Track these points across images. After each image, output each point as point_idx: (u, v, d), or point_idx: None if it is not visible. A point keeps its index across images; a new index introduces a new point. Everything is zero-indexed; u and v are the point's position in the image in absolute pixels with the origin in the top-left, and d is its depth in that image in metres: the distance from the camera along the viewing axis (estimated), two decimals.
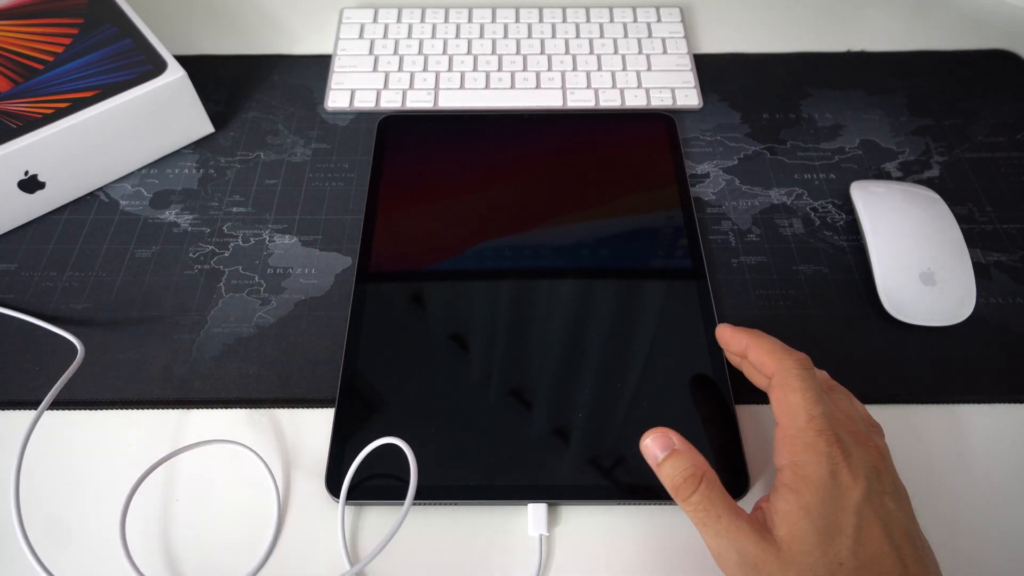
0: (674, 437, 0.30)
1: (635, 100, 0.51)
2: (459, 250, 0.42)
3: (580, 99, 0.51)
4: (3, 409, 0.37)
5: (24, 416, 0.37)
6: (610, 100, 0.51)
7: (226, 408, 0.37)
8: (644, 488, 0.33)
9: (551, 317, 0.39)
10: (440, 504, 0.34)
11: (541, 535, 0.32)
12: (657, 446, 0.30)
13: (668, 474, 0.29)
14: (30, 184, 0.42)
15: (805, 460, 0.27)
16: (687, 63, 0.53)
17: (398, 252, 0.42)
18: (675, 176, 0.45)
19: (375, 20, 0.56)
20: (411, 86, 0.51)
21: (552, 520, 0.34)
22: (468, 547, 0.33)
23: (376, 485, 0.33)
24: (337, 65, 0.53)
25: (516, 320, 0.39)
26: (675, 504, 0.31)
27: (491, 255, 0.41)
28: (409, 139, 0.47)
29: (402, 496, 0.32)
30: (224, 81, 0.52)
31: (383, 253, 0.42)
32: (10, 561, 0.32)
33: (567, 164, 0.46)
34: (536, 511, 0.33)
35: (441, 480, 0.33)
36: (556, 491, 0.33)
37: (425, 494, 0.33)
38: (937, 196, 0.43)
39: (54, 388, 0.35)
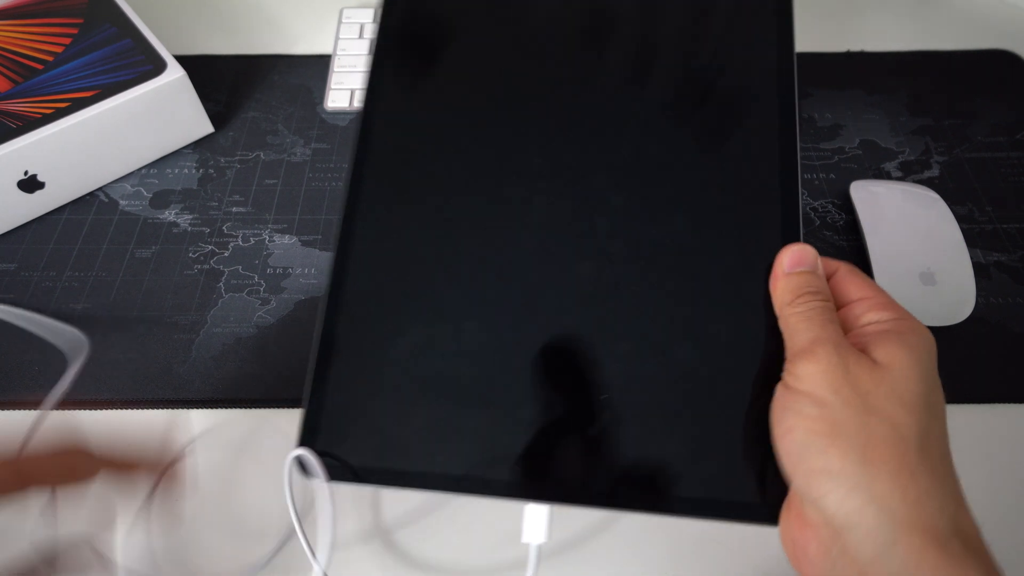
0: (819, 263, 0.28)
1: None
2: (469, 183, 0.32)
3: None
4: (6, 409, 0.37)
5: (22, 416, 0.37)
6: None
7: (226, 408, 0.37)
8: (689, 501, 0.27)
9: (578, 254, 0.30)
10: (423, 492, 0.28)
11: (538, 543, 0.28)
12: (791, 260, 0.28)
13: (789, 287, 0.27)
14: (30, 184, 0.42)
15: (911, 320, 0.26)
16: None
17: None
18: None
19: (375, 20, 0.56)
20: None
21: (552, 525, 0.29)
22: (457, 545, 0.32)
23: (355, 465, 0.28)
24: (337, 65, 0.53)
25: (531, 263, 0.30)
26: (699, 520, 0.27)
27: (503, 188, 0.32)
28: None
29: (378, 479, 0.28)
30: (224, 81, 0.52)
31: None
32: None
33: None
34: (535, 514, 0.28)
35: (423, 465, 0.28)
36: (564, 491, 0.27)
37: (406, 480, 0.28)
38: (937, 196, 0.43)
39: (61, 382, 0.34)
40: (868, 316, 0.26)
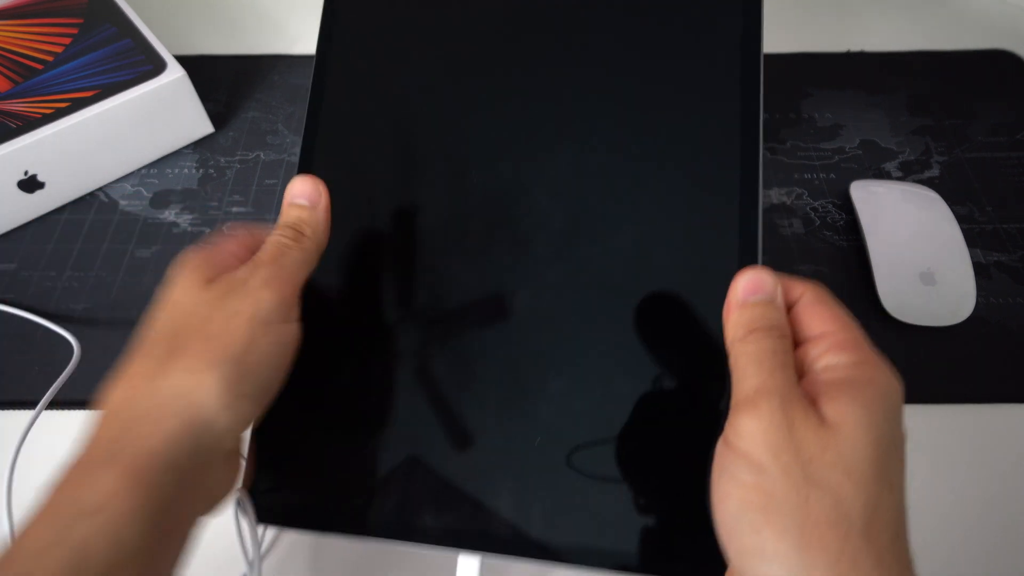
0: (778, 291, 0.24)
1: None
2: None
3: None
4: (6, 409, 0.37)
5: (22, 416, 0.37)
6: None
7: None
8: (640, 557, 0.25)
9: (513, 281, 0.28)
10: (355, 538, 0.27)
11: None
12: (746, 287, 0.24)
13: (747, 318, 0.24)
14: (30, 184, 0.42)
15: (873, 365, 0.22)
16: None
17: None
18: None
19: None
20: None
21: None
22: None
23: (288, 509, 0.27)
24: None
25: (463, 293, 0.28)
26: None
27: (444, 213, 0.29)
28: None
29: (307, 524, 0.27)
30: (224, 81, 0.52)
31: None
32: None
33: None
34: (467, 566, 0.26)
35: (354, 511, 0.26)
36: (497, 542, 0.25)
37: (334, 525, 0.27)
38: (937, 196, 0.43)
39: (52, 388, 0.35)
40: (826, 359, 0.23)
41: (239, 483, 0.26)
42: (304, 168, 0.30)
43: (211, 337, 0.23)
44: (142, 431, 0.21)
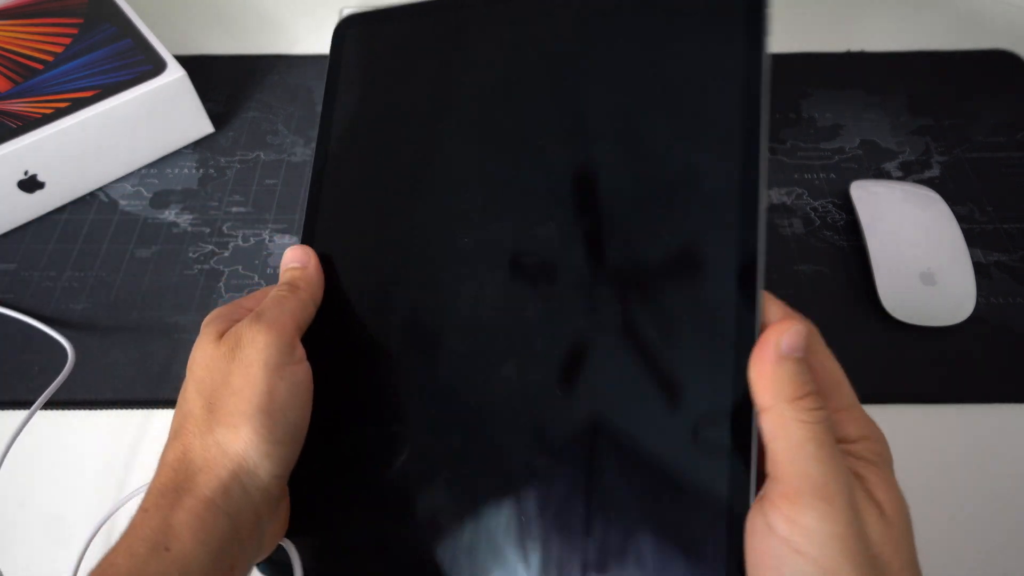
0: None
1: None
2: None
3: None
4: (5, 409, 0.37)
5: (17, 416, 0.37)
6: None
7: None
8: None
9: (502, 344, 0.27)
10: None
11: None
12: (792, 342, 0.21)
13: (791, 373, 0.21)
14: (30, 184, 0.42)
15: (879, 437, 0.22)
16: None
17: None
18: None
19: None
20: None
21: None
22: None
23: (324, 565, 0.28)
24: None
25: (465, 368, 0.27)
26: None
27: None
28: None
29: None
30: (224, 81, 0.52)
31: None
32: None
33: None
34: None
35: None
36: None
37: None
38: (937, 196, 0.43)
39: (45, 393, 0.35)
40: (848, 429, 0.22)
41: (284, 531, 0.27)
42: (307, 235, 0.32)
43: (236, 391, 0.25)
44: (199, 481, 0.24)
